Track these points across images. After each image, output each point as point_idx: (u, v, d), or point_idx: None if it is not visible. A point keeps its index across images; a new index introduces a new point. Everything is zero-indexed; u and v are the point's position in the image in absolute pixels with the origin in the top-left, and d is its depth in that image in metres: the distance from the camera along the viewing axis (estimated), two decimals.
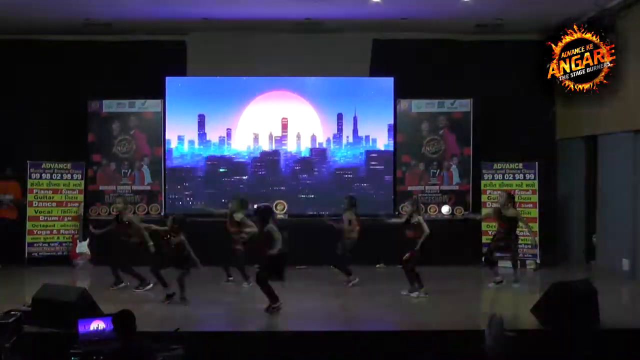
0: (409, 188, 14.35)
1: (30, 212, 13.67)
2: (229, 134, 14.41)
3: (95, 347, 7.24)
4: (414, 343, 8.36)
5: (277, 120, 14.43)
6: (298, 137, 14.45)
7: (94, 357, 7.15)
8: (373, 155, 14.45)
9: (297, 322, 9.36)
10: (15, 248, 13.43)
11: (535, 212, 13.36)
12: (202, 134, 14.41)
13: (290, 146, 14.44)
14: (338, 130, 14.45)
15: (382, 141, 14.42)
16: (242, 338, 8.61)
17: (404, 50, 14.62)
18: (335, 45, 14.55)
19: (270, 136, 14.44)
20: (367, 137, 14.44)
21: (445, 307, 10.14)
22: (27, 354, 7.68)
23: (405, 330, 9.08)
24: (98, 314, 8.10)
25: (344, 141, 14.45)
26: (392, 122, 14.41)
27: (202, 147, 14.40)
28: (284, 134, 14.43)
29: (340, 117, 14.44)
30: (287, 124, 14.43)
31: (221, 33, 14.45)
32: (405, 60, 14.56)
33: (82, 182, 14.08)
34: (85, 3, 12.43)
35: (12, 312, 8.05)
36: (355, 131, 14.44)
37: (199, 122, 14.37)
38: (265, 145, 14.44)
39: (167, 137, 14.32)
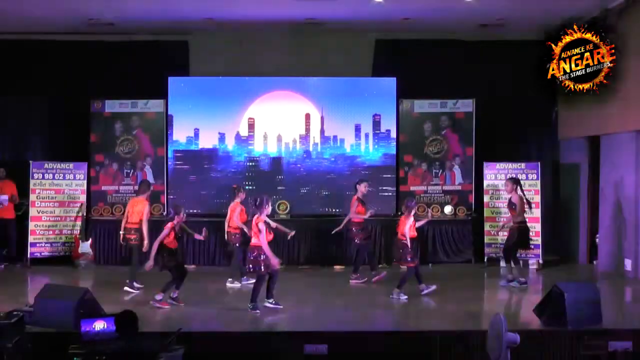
0: (412, 188, 14.34)
1: (32, 212, 13.67)
2: (236, 135, 14.39)
3: (98, 347, 7.27)
4: (415, 343, 8.37)
5: (279, 120, 14.38)
6: (308, 140, 14.43)
7: (96, 357, 7.17)
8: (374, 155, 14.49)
9: (297, 322, 9.38)
10: (17, 248, 13.46)
11: (537, 212, 13.35)
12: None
13: (295, 145, 14.43)
14: (357, 132, 14.43)
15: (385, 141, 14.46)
16: (242, 338, 8.63)
17: (406, 50, 14.64)
18: (337, 46, 14.57)
19: (280, 137, 14.42)
20: (366, 135, 14.44)
21: (447, 307, 10.13)
22: (29, 354, 7.70)
23: (405, 330, 9.10)
24: (100, 315, 8.12)
25: (317, 142, 14.40)
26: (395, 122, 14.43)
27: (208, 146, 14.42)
28: (287, 134, 14.43)
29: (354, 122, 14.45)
30: (293, 125, 14.45)
31: (224, 33, 14.45)
32: (408, 60, 14.57)
33: (85, 182, 14.08)
34: (88, 3, 12.44)
35: (15, 312, 8.09)
36: (329, 132, 14.44)
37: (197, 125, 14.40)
38: (273, 146, 14.38)
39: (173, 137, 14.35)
